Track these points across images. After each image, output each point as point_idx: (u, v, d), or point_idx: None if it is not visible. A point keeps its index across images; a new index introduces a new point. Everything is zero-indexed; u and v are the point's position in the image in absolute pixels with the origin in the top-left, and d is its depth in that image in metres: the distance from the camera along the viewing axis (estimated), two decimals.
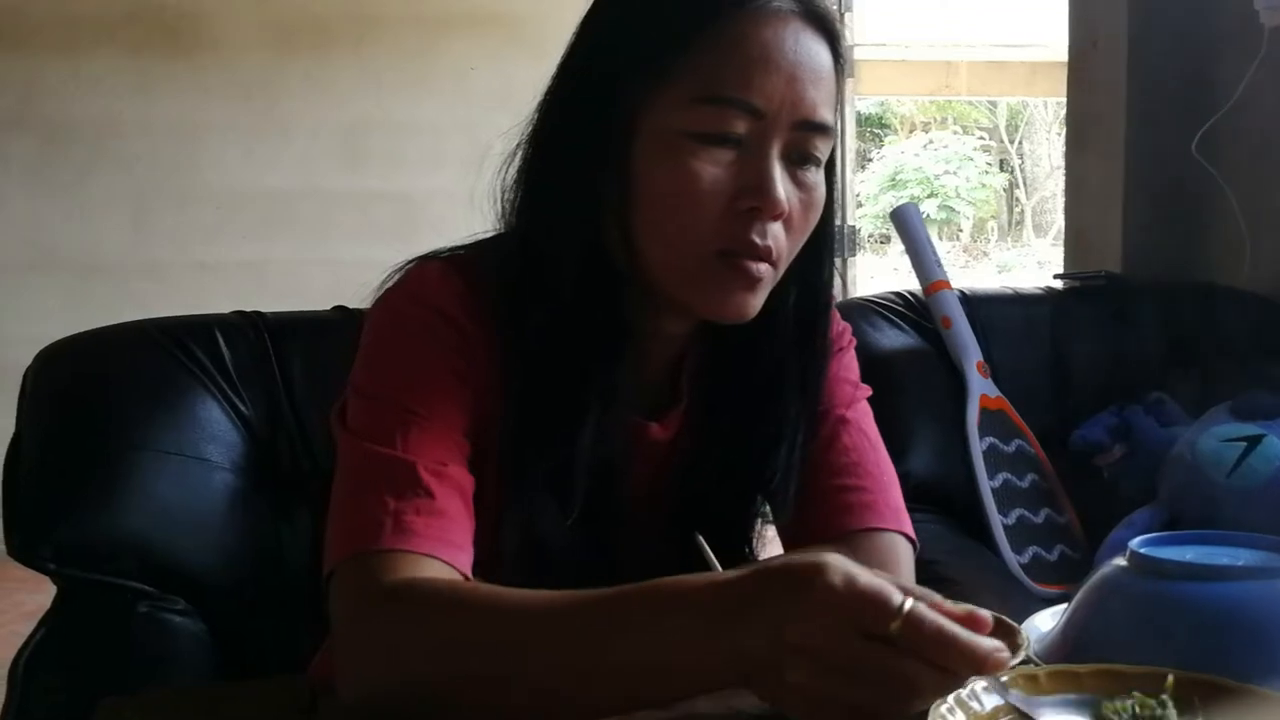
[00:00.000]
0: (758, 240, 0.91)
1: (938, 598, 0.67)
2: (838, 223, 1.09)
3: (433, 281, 0.97)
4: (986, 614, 0.67)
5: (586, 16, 0.99)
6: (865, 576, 0.65)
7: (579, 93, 0.96)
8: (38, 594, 1.23)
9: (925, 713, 0.67)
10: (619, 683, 0.73)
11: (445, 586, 0.83)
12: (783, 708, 0.68)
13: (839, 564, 0.66)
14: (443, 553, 0.85)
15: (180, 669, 1.17)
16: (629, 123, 0.92)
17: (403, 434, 0.89)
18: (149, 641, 1.17)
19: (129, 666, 1.16)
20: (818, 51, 0.93)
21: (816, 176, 0.95)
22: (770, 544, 1.10)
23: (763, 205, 0.90)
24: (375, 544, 0.84)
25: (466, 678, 0.77)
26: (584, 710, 0.75)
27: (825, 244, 1.01)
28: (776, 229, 0.92)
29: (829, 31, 0.94)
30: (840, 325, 1.10)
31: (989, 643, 0.65)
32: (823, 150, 0.94)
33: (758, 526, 1.09)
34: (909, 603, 0.64)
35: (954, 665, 0.64)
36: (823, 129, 0.93)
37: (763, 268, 0.92)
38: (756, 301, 0.94)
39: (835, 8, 0.99)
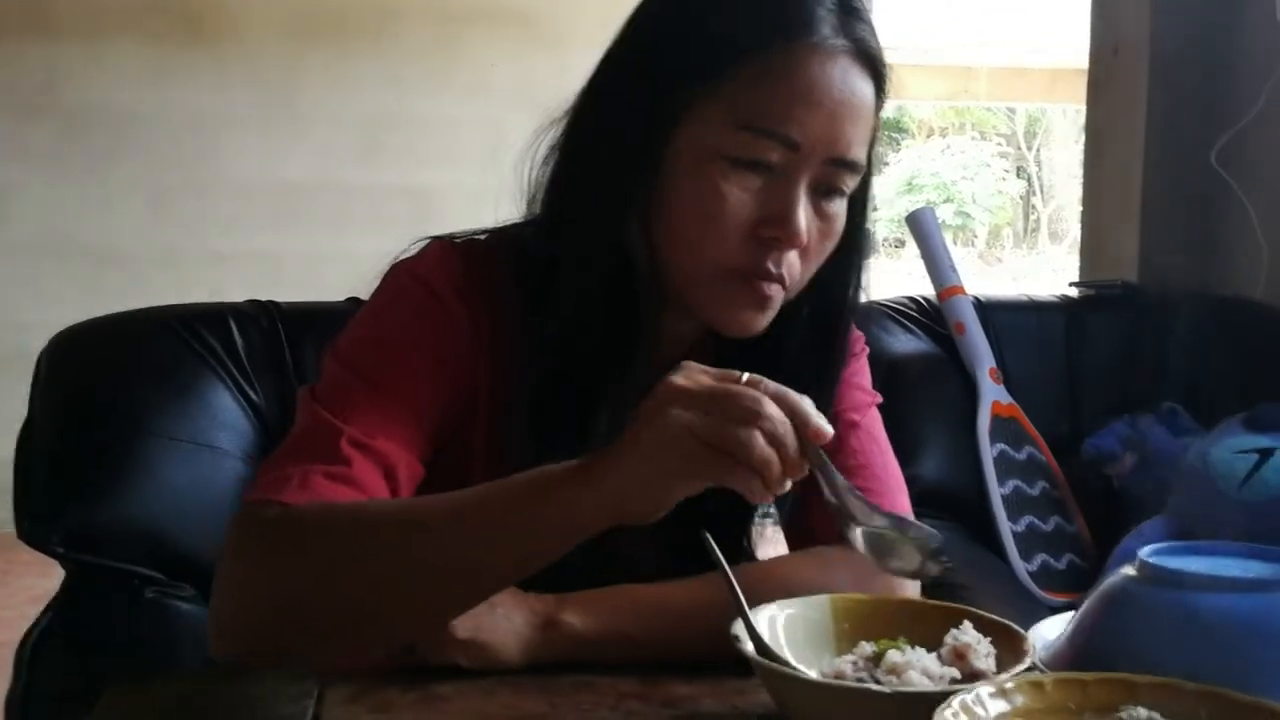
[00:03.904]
0: (772, 268, 0.93)
1: None
2: None
3: (430, 260, 0.99)
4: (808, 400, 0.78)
5: (638, 17, 0.99)
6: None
7: (621, 93, 0.97)
8: (46, 578, 1.24)
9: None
10: (507, 548, 0.82)
11: (317, 505, 0.85)
12: (657, 491, 0.78)
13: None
14: None
15: (186, 655, 1.17)
16: (667, 132, 0.93)
17: (349, 402, 0.92)
18: (156, 627, 1.18)
19: (135, 652, 1.17)
20: (862, 89, 0.93)
21: (839, 207, 0.96)
22: (770, 542, 1.10)
23: (783, 236, 0.92)
24: (275, 496, 0.86)
25: (340, 580, 0.82)
26: (477, 583, 0.83)
27: (852, 260, 1.02)
28: (792, 256, 0.94)
29: (876, 69, 0.95)
30: (854, 333, 1.10)
31: (816, 411, 0.77)
32: (850, 184, 0.96)
33: (756, 523, 1.09)
34: (748, 375, 0.78)
35: (788, 408, 0.76)
36: (853, 166, 0.94)
37: (774, 289, 0.94)
38: (764, 319, 0.96)
39: None
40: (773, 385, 0.77)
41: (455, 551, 0.82)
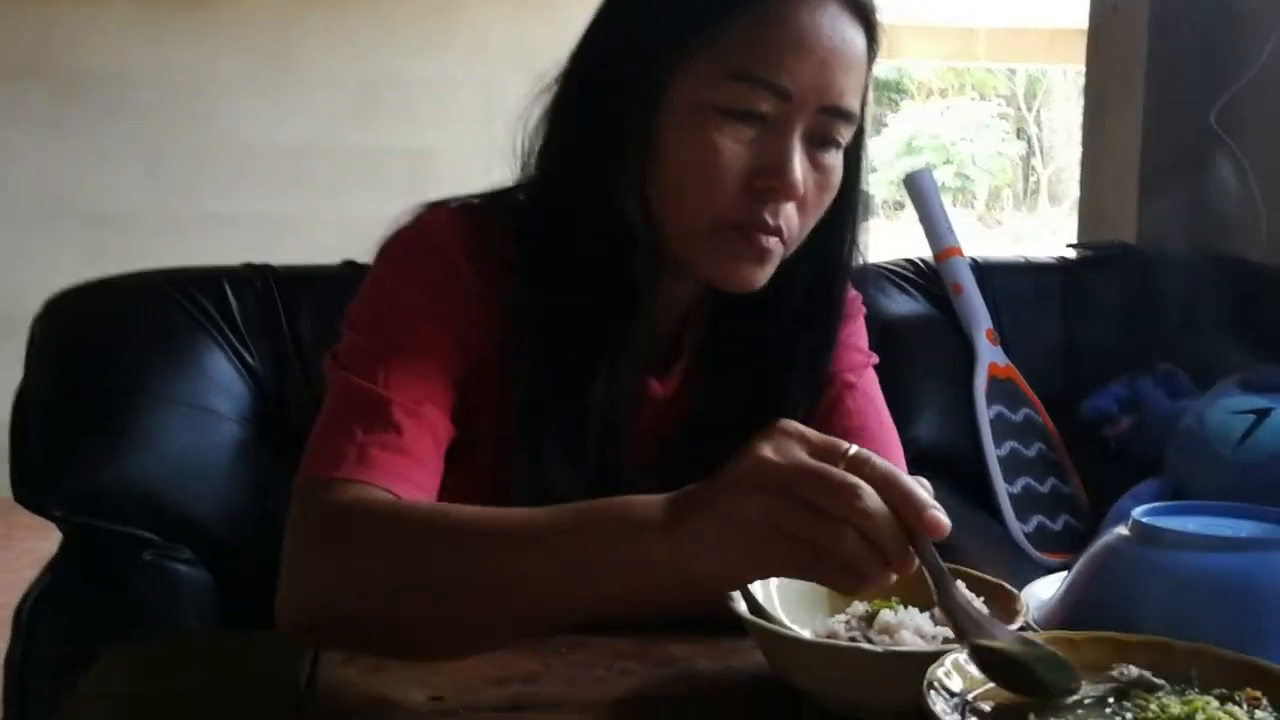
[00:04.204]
0: (770, 220, 0.92)
1: None
2: None
3: (437, 225, 0.98)
4: (928, 485, 0.68)
5: None
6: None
7: (612, 51, 0.96)
8: (46, 541, 1.24)
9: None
10: (562, 586, 0.74)
11: (388, 501, 0.84)
12: (725, 566, 0.69)
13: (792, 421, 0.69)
14: (398, 487, 0.85)
15: (184, 618, 1.18)
16: (658, 87, 0.92)
17: (385, 370, 0.90)
18: (153, 590, 1.18)
19: (133, 614, 1.17)
20: (853, 37, 0.93)
21: (835, 159, 0.95)
22: None
23: (779, 186, 0.91)
24: (335, 472, 0.85)
25: (405, 585, 0.78)
26: (528, 614, 0.77)
27: (847, 217, 1.02)
28: (790, 209, 0.93)
29: (866, 19, 0.95)
30: (850, 293, 1.10)
31: (930, 498, 0.66)
32: (844, 135, 0.95)
33: None
34: (854, 448, 0.67)
35: (895, 501, 0.65)
36: (847, 115, 0.94)
37: (773, 241, 0.93)
38: (764, 273, 0.95)
39: None
40: (880, 467, 0.66)
41: (528, 577, 0.75)
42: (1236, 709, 0.64)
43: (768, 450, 0.67)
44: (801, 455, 0.67)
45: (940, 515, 0.66)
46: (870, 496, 0.65)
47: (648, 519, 0.71)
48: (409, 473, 0.87)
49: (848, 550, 0.65)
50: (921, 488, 0.67)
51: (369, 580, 0.80)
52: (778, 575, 0.76)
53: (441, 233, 0.97)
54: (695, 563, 0.69)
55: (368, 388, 0.89)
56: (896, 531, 0.66)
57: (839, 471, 0.66)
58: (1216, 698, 0.66)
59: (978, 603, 0.80)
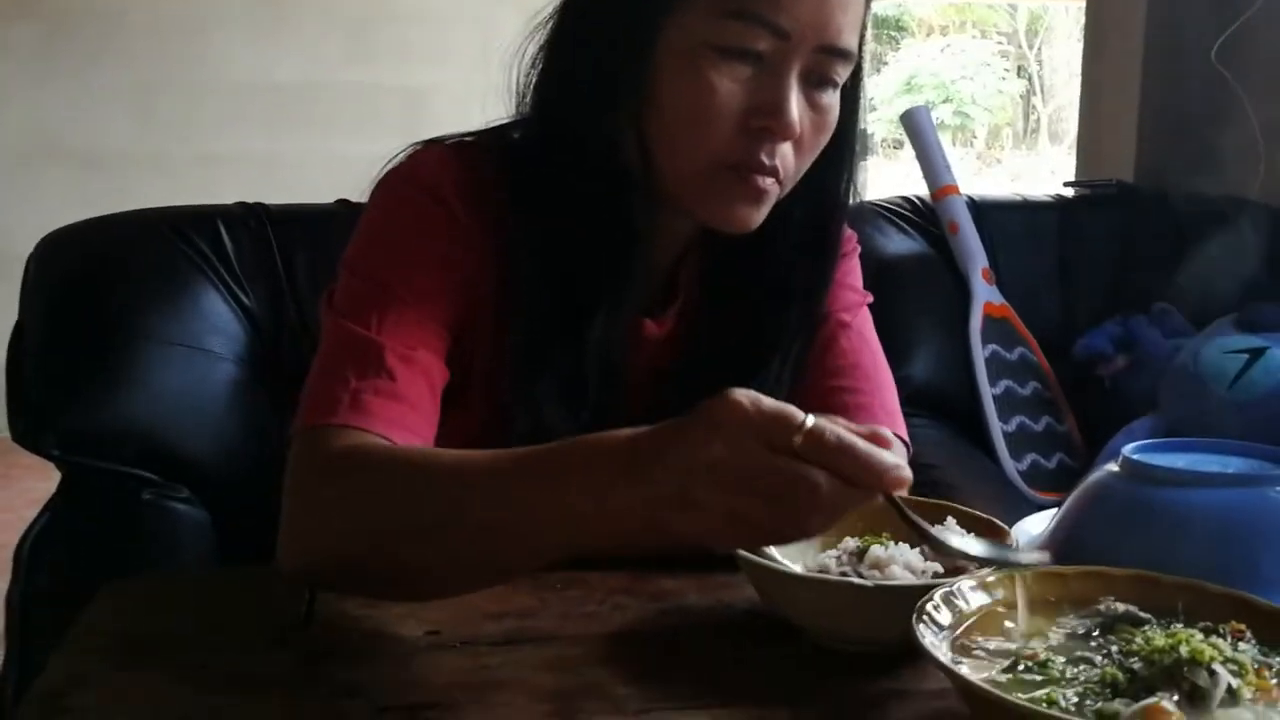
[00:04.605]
0: (766, 160, 0.91)
1: (842, 421, 0.66)
2: None
3: (430, 165, 0.98)
4: (888, 432, 0.67)
5: None
6: (769, 400, 0.66)
7: None
8: (44, 481, 1.25)
9: None
10: (547, 530, 0.73)
11: (384, 448, 0.84)
12: (694, 538, 0.68)
13: (744, 391, 0.66)
14: (394, 434, 0.86)
15: (182, 556, 1.19)
16: (653, 26, 0.91)
17: (379, 315, 0.90)
18: (152, 528, 1.19)
19: (132, 552, 1.18)
20: None
21: (832, 99, 0.94)
22: None
23: (775, 126, 0.90)
24: (330, 419, 0.85)
25: (400, 530, 0.78)
26: (518, 556, 0.76)
27: (844, 155, 1.01)
28: (785, 149, 0.93)
29: None
30: (845, 231, 1.09)
31: (889, 457, 0.65)
32: (842, 74, 0.94)
33: None
34: (811, 419, 0.65)
35: (854, 475, 0.64)
36: (845, 54, 0.93)
37: (769, 182, 0.93)
38: (759, 214, 0.95)
39: None
40: (835, 438, 0.64)
41: (505, 522, 0.74)
42: (1220, 641, 0.65)
43: (719, 447, 0.64)
44: (753, 450, 0.64)
45: (901, 473, 0.65)
46: (825, 488, 0.64)
47: (612, 459, 0.69)
48: (403, 418, 0.87)
49: (809, 528, 0.66)
50: (882, 447, 0.66)
51: (366, 527, 0.80)
52: (739, 549, 0.78)
53: (434, 172, 0.97)
54: (657, 522, 0.68)
55: (361, 333, 0.89)
56: (856, 498, 0.65)
57: (791, 469, 0.64)
58: (1201, 631, 0.67)
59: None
